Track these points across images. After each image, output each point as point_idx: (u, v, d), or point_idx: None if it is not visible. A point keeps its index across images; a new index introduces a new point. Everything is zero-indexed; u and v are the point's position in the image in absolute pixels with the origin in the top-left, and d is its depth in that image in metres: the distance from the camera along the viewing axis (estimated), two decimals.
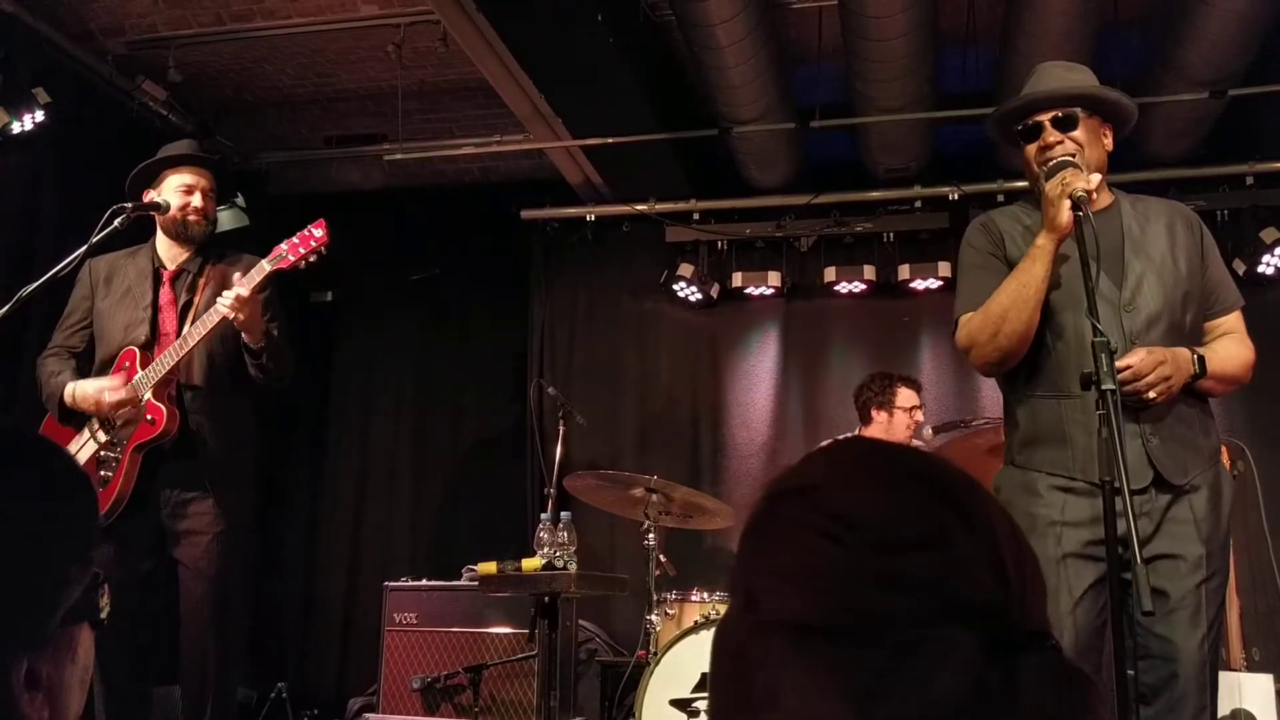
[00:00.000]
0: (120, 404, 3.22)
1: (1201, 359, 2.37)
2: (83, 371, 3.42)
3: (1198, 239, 2.52)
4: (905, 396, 4.77)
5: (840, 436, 4.98)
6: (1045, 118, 2.50)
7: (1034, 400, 2.47)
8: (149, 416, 3.23)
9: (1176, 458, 2.34)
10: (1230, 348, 2.48)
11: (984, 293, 2.49)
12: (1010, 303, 2.39)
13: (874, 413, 4.84)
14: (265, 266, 3.24)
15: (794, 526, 0.75)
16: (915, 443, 4.82)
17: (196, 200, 3.42)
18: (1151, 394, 2.28)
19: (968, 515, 0.73)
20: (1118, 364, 2.16)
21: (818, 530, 0.73)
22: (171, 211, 3.40)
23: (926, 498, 0.75)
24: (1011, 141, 2.62)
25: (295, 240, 3.26)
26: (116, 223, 3.19)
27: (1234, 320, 2.52)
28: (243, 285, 3.19)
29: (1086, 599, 2.31)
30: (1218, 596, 2.32)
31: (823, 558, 0.72)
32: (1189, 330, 2.44)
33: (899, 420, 4.76)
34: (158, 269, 3.44)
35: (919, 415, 4.80)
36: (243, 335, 3.29)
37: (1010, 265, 2.49)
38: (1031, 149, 2.52)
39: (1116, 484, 2.00)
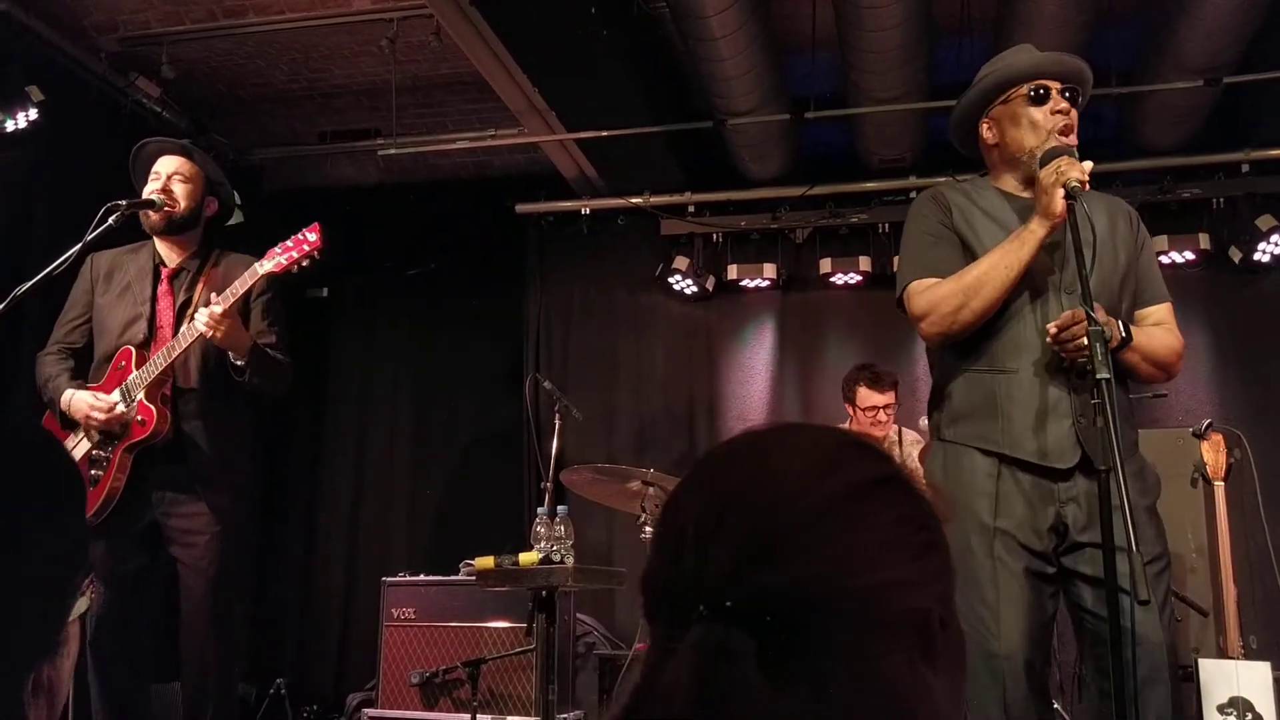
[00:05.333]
0: (107, 423, 3.21)
1: (1127, 326, 2.39)
2: (82, 367, 3.41)
3: (1135, 231, 2.56)
4: (863, 396, 4.67)
5: None
6: (1055, 85, 2.48)
7: (969, 374, 2.48)
8: (140, 417, 3.22)
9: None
10: (1160, 333, 2.50)
11: (935, 260, 2.49)
12: (986, 279, 2.38)
13: (845, 405, 4.83)
14: (257, 269, 3.21)
15: None
16: (908, 433, 4.80)
17: (158, 185, 3.37)
18: (1072, 346, 2.26)
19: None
20: (1049, 327, 2.27)
21: None
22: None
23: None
24: (977, 112, 2.57)
25: (289, 244, 3.22)
26: (111, 220, 3.18)
27: (1164, 311, 2.54)
28: (219, 303, 3.15)
29: (1025, 591, 2.31)
30: (1163, 579, 2.32)
31: None
32: (1123, 317, 2.45)
33: (860, 418, 4.70)
34: (157, 266, 3.42)
35: (883, 417, 4.65)
36: (228, 352, 3.26)
37: (959, 236, 2.50)
38: (1041, 112, 2.47)
39: (1111, 471, 2.00)
